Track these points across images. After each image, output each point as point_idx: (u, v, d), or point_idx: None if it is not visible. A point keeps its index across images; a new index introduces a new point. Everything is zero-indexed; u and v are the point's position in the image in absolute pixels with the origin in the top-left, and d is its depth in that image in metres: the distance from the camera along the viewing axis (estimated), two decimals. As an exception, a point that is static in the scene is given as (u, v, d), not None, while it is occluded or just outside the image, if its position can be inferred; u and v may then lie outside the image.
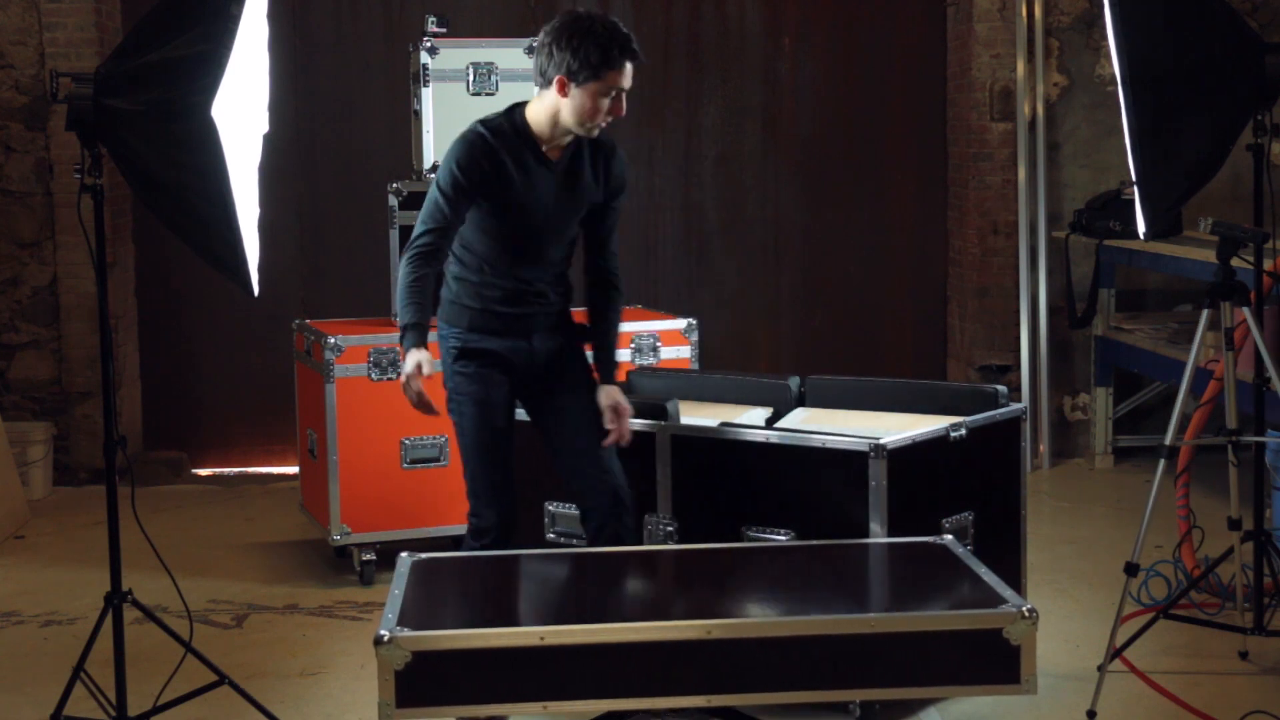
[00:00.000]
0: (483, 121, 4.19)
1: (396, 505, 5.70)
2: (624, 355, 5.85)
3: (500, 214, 4.17)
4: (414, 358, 4.07)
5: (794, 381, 4.90)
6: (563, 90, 4.08)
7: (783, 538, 4.27)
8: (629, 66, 4.09)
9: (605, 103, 4.08)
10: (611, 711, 3.30)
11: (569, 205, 4.24)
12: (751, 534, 4.34)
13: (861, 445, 4.16)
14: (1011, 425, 4.62)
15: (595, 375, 4.36)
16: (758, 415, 4.77)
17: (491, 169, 4.12)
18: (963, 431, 4.39)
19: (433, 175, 4.73)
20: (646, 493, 4.53)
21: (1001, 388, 4.68)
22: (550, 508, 4.73)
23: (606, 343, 4.38)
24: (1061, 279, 7.27)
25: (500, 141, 4.14)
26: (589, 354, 4.41)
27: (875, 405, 4.79)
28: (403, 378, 4.10)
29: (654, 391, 5.01)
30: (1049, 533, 6.20)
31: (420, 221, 4.17)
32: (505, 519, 4.23)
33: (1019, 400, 7.43)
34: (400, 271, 4.18)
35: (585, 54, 4.03)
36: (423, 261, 4.13)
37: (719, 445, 4.43)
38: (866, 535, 4.13)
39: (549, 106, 4.13)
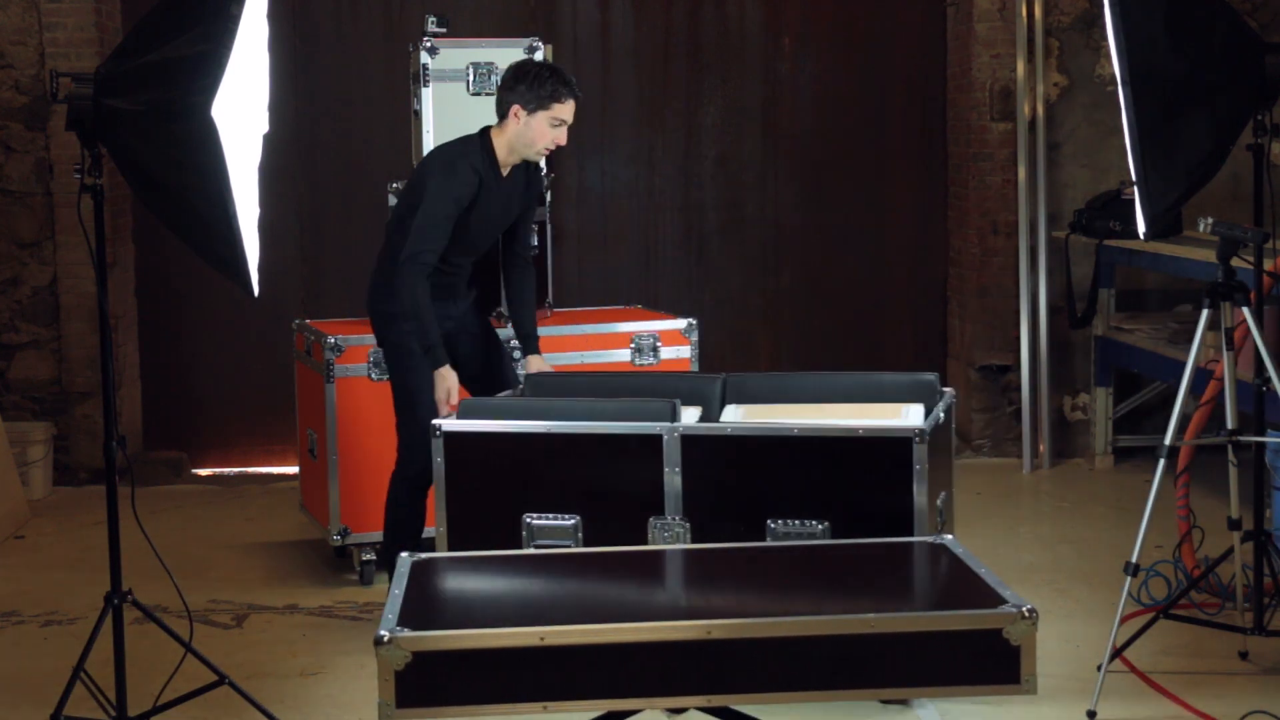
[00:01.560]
0: (465, 148, 4.93)
1: (396, 505, 5.69)
2: (624, 355, 5.86)
3: (464, 220, 4.89)
4: (454, 376, 4.81)
5: (720, 379, 4.84)
6: (516, 119, 4.87)
7: (818, 527, 4.26)
8: (572, 102, 4.90)
9: (551, 131, 4.88)
10: (612, 711, 3.30)
11: (507, 213, 5.07)
12: (778, 528, 4.30)
13: (906, 431, 4.19)
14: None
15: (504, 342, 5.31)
16: (691, 414, 4.69)
17: (473, 191, 4.89)
18: (940, 417, 4.44)
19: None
20: (652, 495, 4.48)
21: (934, 375, 4.70)
22: (529, 520, 4.62)
23: (527, 315, 5.25)
24: (1061, 279, 7.26)
25: (479, 167, 4.89)
26: (508, 329, 5.34)
27: (802, 399, 4.75)
28: (450, 395, 4.75)
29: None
30: (1049, 533, 6.20)
31: (426, 237, 4.81)
32: None
33: (1018, 400, 7.45)
34: (412, 287, 4.77)
35: (537, 88, 4.84)
36: (425, 275, 4.81)
37: (729, 443, 4.39)
38: (911, 520, 4.16)
39: (506, 135, 4.93)
